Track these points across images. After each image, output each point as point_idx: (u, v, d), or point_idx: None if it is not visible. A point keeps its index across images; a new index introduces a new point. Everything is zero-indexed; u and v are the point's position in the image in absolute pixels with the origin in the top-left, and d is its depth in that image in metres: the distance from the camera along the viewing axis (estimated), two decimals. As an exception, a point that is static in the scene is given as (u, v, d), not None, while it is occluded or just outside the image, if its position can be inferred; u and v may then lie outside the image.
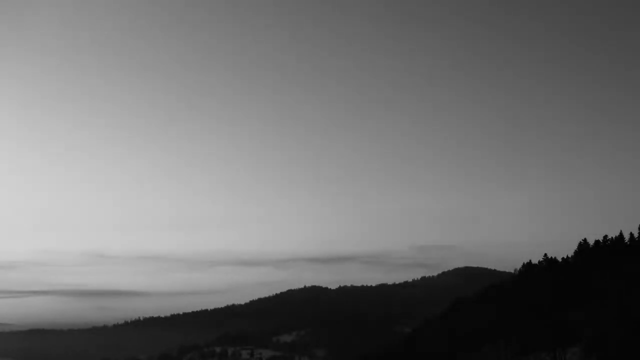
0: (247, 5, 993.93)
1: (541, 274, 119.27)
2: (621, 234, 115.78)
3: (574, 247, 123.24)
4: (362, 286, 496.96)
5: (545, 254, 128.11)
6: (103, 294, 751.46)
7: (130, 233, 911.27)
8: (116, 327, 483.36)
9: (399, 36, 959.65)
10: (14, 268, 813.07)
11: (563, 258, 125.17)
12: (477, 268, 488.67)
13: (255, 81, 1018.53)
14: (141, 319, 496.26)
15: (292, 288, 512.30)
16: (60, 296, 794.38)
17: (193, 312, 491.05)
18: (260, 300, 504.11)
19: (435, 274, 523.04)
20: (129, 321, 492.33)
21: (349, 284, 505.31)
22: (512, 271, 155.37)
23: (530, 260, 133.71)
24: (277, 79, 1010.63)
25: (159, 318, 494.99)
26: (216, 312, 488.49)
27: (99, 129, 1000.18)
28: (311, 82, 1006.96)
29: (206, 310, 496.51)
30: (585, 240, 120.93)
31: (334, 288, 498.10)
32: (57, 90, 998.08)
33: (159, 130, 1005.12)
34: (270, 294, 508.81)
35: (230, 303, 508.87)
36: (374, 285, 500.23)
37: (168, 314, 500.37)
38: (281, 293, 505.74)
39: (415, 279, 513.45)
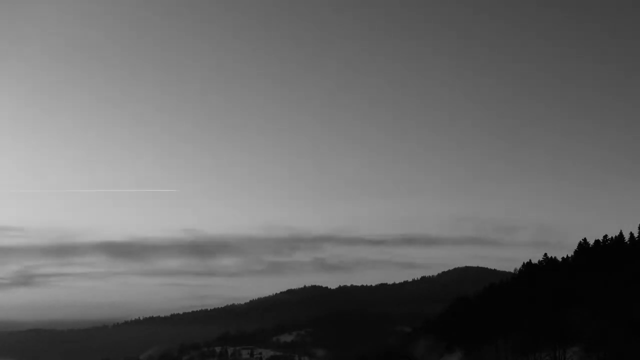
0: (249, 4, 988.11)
1: (541, 274, 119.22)
2: (621, 234, 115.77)
3: (574, 247, 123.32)
4: (362, 286, 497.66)
5: (545, 254, 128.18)
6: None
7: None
8: (116, 327, 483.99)
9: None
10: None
11: (563, 258, 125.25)
12: (477, 268, 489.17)
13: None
14: (141, 318, 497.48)
15: (292, 288, 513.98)
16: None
17: (193, 312, 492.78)
18: (260, 300, 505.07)
19: (435, 273, 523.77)
20: (129, 321, 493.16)
21: (348, 284, 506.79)
22: (512, 271, 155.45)
23: (530, 260, 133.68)
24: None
25: (158, 318, 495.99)
26: (216, 312, 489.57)
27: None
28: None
29: (206, 310, 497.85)
30: (585, 240, 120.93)
31: (334, 288, 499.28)
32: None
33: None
34: (271, 294, 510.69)
35: (230, 303, 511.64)
36: (374, 285, 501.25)
37: (168, 314, 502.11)
38: (281, 293, 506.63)
39: (415, 278, 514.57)
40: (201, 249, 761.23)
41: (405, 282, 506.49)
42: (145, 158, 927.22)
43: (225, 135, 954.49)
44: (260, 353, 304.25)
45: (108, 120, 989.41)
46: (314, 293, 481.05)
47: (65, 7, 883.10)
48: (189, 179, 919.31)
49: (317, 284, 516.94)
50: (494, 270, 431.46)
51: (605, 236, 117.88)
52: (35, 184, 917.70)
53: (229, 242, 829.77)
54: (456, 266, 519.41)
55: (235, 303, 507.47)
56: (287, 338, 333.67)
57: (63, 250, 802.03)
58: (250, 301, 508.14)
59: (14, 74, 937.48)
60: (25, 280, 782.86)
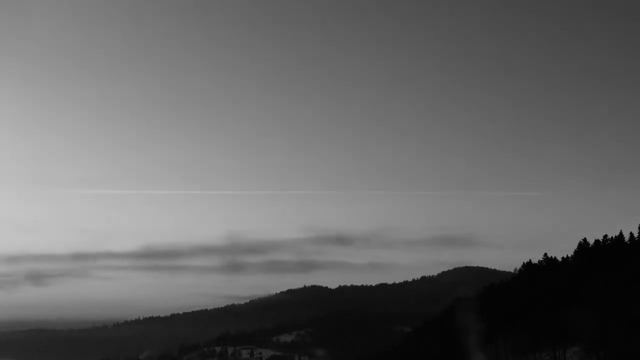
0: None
1: (541, 274, 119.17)
2: (621, 234, 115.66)
3: (574, 247, 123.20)
4: (362, 286, 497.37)
5: (545, 254, 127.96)
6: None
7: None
8: (116, 326, 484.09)
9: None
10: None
11: (563, 258, 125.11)
12: (477, 268, 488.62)
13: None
14: (141, 318, 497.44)
15: (292, 288, 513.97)
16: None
17: (193, 312, 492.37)
18: (260, 300, 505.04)
19: (435, 273, 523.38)
20: (129, 321, 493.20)
21: (348, 284, 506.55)
22: (512, 271, 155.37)
23: (530, 260, 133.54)
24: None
25: (158, 318, 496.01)
26: (216, 312, 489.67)
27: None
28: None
29: (206, 310, 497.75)
30: (585, 240, 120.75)
31: (334, 288, 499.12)
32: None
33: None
34: (271, 294, 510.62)
35: (230, 303, 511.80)
36: (374, 285, 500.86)
37: (168, 314, 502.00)
38: (281, 293, 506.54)
39: (415, 278, 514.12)
40: (221, 250, 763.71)
41: (405, 282, 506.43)
42: (175, 159, 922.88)
43: (261, 138, 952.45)
44: (260, 353, 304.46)
45: (136, 122, 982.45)
46: (314, 293, 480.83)
47: (66, 8, 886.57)
48: (215, 182, 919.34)
49: (317, 284, 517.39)
50: (494, 270, 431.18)
51: (605, 236, 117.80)
52: (47, 183, 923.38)
53: (255, 244, 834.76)
54: (456, 266, 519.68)
55: (235, 303, 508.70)
56: (287, 338, 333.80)
57: (70, 252, 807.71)
58: (250, 301, 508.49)
59: (28, 74, 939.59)
60: (29, 280, 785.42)
